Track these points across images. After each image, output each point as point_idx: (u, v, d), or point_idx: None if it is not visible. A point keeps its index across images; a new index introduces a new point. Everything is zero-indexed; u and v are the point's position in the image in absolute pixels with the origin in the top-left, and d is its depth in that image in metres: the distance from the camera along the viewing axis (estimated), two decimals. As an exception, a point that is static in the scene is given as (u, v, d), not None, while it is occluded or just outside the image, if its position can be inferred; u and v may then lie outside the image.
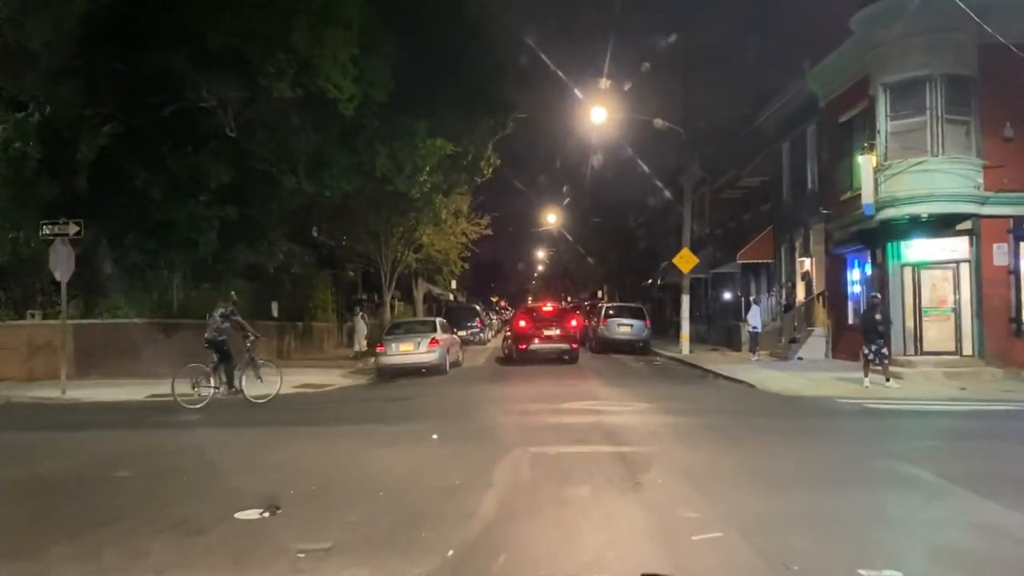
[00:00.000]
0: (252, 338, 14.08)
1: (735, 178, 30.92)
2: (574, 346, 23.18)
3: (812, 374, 18.51)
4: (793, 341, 23.22)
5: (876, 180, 18.32)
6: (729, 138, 32.46)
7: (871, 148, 18.68)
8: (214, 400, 13.15)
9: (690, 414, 11.65)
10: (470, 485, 6.50)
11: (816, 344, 23.21)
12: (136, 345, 18.71)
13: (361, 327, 21.60)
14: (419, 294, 36.81)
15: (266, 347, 24.47)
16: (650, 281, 45.17)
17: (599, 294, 53.02)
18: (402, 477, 7.00)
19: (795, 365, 21.08)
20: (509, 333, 25.15)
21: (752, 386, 16.87)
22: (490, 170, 22.76)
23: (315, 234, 29.42)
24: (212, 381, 13.49)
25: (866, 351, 15.60)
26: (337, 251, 29.86)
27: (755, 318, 22.87)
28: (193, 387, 13.20)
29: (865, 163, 18.08)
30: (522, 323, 23.77)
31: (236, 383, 13.75)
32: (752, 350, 22.80)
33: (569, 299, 75.58)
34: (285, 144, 16.58)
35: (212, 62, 14.52)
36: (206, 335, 13.79)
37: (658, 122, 28.64)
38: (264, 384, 14.32)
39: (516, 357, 22.91)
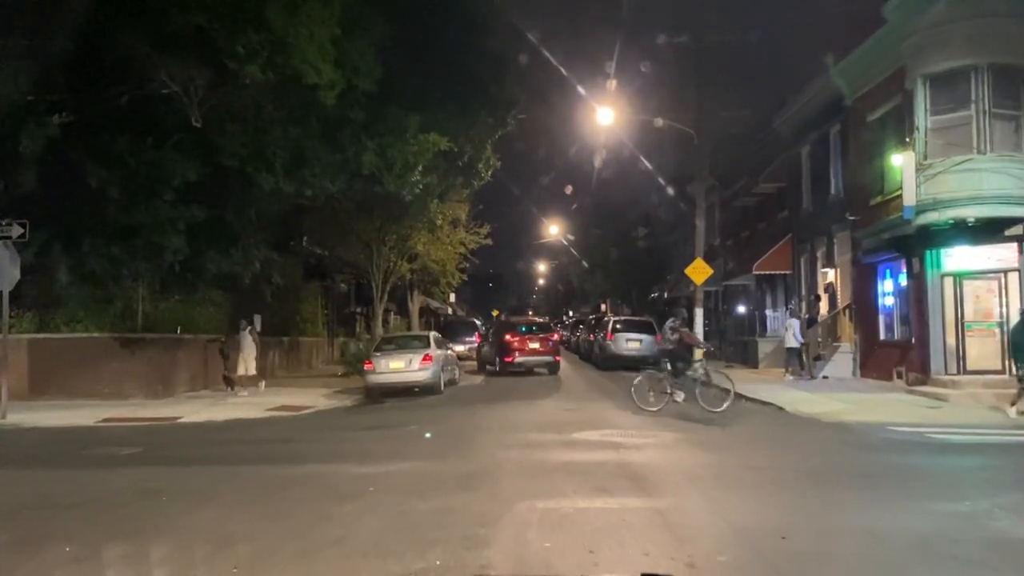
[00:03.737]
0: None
1: (750, 185, 29.19)
2: (557, 358, 24.68)
3: (845, 395, 16.71)
4: (817, 358, 21.35)
5: (916, 181, 16.53)
6: (742, 143, 30.73)
7: (910, 145, 16.91)
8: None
9: (725, 448, 9.77)
10: (454, 569, 4.64)
11: (843, 361, 21.40)
12: (97, 362, 16.87)
13: (249, 345, 17.82)
14: (415, 307, 34.95)
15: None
16: (655, 294, 43.38)
17: (602, 307, 51.18)
18: (359, 553, 5.13)
19: (821, 385, 19.25)
20: (493, 345, 26.21)
21: (781, 409, 15.04)
22: (489, 173, 20.98)
23: (304, 244, 27.69)
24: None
25: (1020, 372, 13.43)
26: (327, 261, 28.04)
27: (795, 332, 20.81)
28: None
29: (906, 162, 16.28)
30: (507, 337, 24.88)
31: None
32: (800, 368, 20.74)
33: (571, 313, 73.85)
34: (259, 138, 14.79)
35: (173, 42, 12.77)
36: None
37: (659, 121, 27.04)
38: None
39: (500, 370, 24.06)
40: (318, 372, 26.33)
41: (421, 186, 16.90)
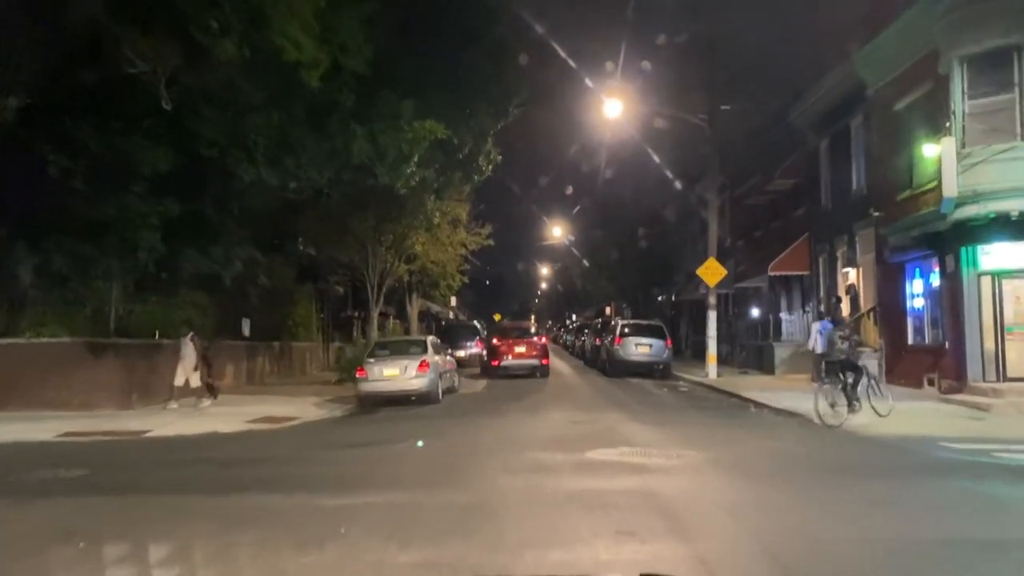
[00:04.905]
0: None
1: (763, 182, 27.85)
2: (544, 362, 24.88)
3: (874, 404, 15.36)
4: (840, 364, 19.92)
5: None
6: (754, 139, 29.40)
7: (945, 132, 15.58)
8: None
9: (764, 472, 8.38)
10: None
11: (867, 367, 19.96)
12: (65, 370, 15.52)
13: (189, 355, 15.93)
14: (414, 311, 33.63)
15: (232, 371, 21.35)
16: (661, 297, 42.04)
17: (607, 311, 49.80)
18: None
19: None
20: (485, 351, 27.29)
21: (811, 420, 13.68)
22: (490, 167, 19.62)
23: (300, 245, 26.38)
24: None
25: None
26: (320, 262, 26.72)
27: (826, 338, 19.29)
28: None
29: (945, 149, 14.92)
30: (495, 342, 25.78)
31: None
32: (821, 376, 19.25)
33: (573, 317, 72.50)
34: (238, 124, 13.47)
35: (139, 14, 11.48)
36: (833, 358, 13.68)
37: (659, 121, 25.83)
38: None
39: (488, 373, 24.66)
40: (312, 379, 25.02)
41: (417, 179, 15.57)
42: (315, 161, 14.13)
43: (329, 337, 30.41)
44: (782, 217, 27.52)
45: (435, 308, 46.83)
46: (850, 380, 13.17)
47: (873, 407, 13.37)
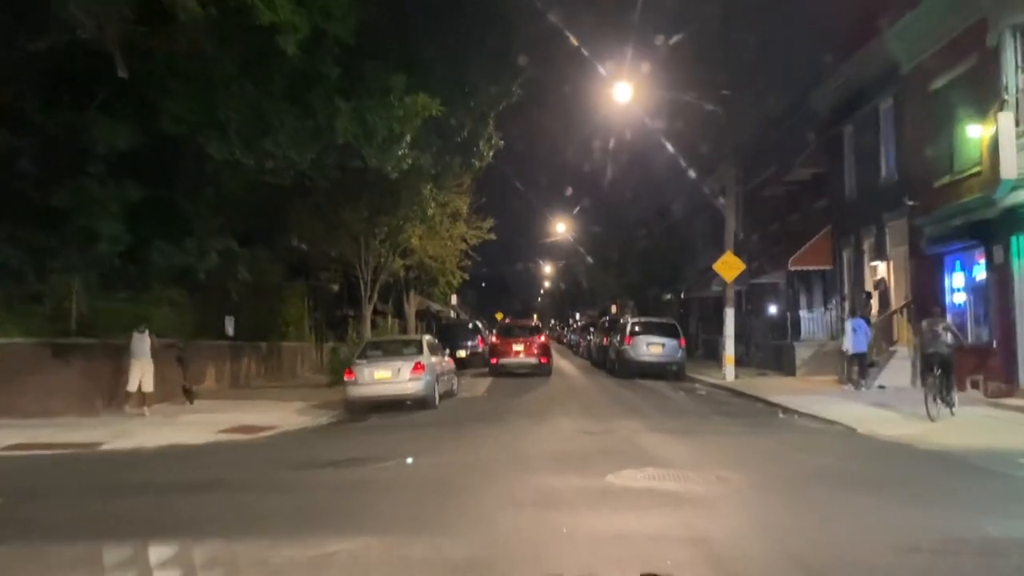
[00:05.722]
0: None
1: (780, 172, 26.28)
2: (543, 360, 24.36)
3: (912, 409, 13.98)
4: (871, 365, 18.39)
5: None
6: (770, 128, 27.85)
7: (997, 109, 14.02)
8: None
9: (829, 506, 6.81)
10: None
11: (900, 369, 18.47)
12: (21, 373, 13.97)
13: (144, 352, 13.97)
14: (411, 309, 32.06)
15: (214, 373, 19.83)
16: (668, 296, 40.46)
17: (612, 310, 48.16)
18: None
19: (880, 396, 16.38)
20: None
21: (852, 430, 12.15)
22: (491, 152, 18.05)
23: (294, 240, 24.84)
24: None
25: None
26: (312, 257, 25.18)
27: (860, 336, 17.69)
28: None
29: (1003, 126, 13.33)
30: (496, 340, 25.88)
31: None
32: (861, 376, 17.65)
33: (577, 316, 70.95)
34: (208, 97, 11.92)
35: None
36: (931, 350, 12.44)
37: (671, 107, 24.34)
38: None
39: (492, 371, 24.25)
40: (302, 381, 23.47)
41: (409, 162, 14.00)
42: (295, 140, 12.56)
43: (322, 337, 28.84)
44: (801, 209, 25.96)
45: (436, 307, 45.34)
46: (943, 377, 12.30)
47: (928, 412, 12.08)
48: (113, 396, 15.17)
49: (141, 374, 14.16)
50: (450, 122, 16.12)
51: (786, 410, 14.81)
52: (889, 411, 13.93)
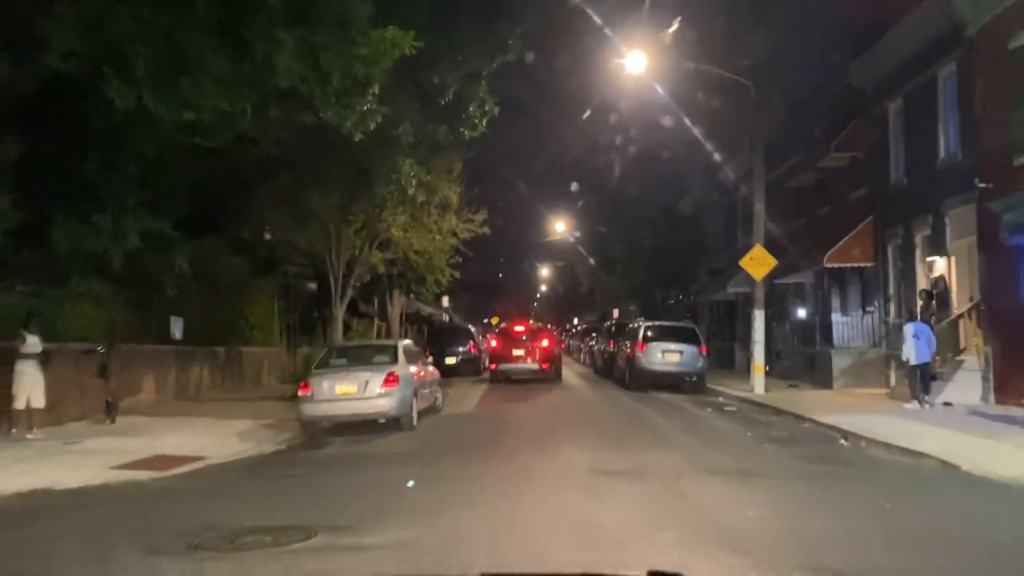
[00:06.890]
0: None
1: (809, 160, 23.34)
2: (545, 367, 22.46)
3: (1010, 434, 11.07)
4: (933, 378, 15.38)
5: None
6: (797, 111, 24.86)
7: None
8: None
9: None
10: None
11: (969, 382, 15.59)
12: None
13: (31, 364, 11.11)
14: (395, 310, 28.97)
15: (154, 384, 16.75)
16: (681, 297, 37.46)
17: (614, 314, 45.10)
18: None
19: (948, 416, 13.48)
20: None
21: (955, 467, 9.12)
22: (484, 121, 15.04)
23: (266, 233, 21.78)
24: None
25: None
26: (281, 250, 22.15)
27: (924, 344, 14.51)
28: None
29: None
30: (493, 344, 24.20)
31: None
32: (924, 391, 14.50)
33: (576, 320, 68.00)
34: (107, 25, 8.95)
35: None
36: None
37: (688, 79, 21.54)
38: None
39: (489, 378, 22.99)
40: (265, 392, 20.36)
41: (379, 119, 10.97)
42: (224, 84, 9.53)
43: (295, 341, 25.75)
44: (834, 200, 23.03)
45: (427, 310, 42.39)
46: None
47: None
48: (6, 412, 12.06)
49: (31, 387, 11.05)
50: (432, 80, 13.15)
51: (848, 435, 11.82)
52: (982, 437, 11.01)
